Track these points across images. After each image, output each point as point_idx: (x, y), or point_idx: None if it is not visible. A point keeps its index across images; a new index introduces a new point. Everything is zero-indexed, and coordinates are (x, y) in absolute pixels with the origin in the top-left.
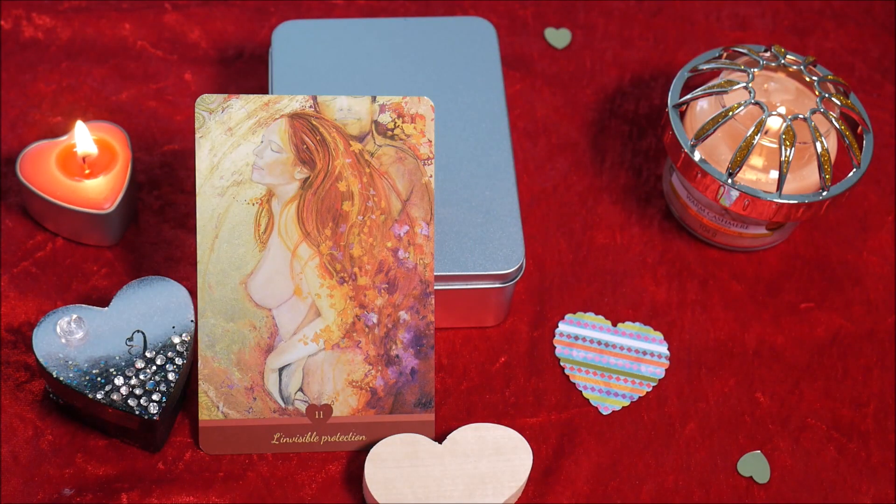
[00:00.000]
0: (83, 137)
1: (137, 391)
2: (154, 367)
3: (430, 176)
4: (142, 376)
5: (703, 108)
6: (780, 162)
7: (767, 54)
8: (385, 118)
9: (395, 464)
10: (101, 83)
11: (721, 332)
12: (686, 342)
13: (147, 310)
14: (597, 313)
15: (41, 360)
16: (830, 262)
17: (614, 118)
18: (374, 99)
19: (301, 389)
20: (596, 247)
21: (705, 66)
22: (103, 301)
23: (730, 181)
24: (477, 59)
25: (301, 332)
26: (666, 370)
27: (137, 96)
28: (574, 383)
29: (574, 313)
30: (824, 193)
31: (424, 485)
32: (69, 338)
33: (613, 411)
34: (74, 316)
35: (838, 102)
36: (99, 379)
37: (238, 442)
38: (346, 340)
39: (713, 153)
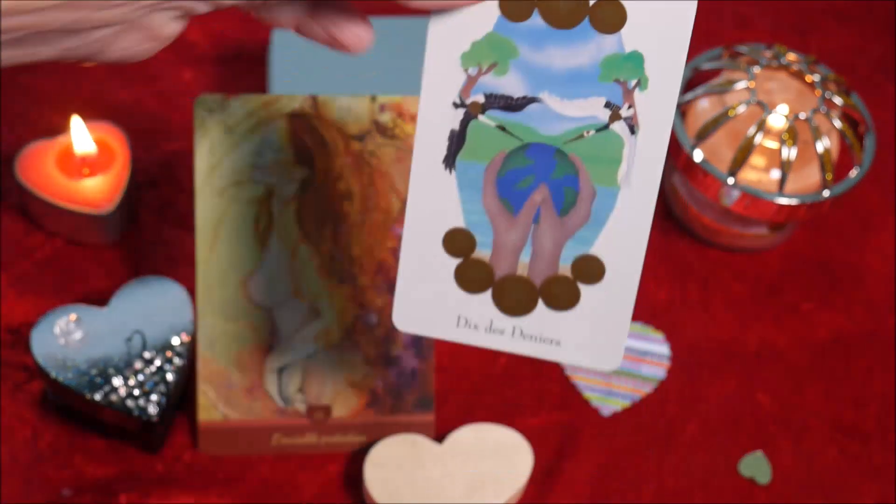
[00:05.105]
0: (80, 133)
1: (136, 392)
2: (153, 368)
3: None
4: (140, 377)
5: (704, 107)
6: (782, 162)
7: (769, 53)
8: (385, 118)
9: (395, 464)
10: (101, 83)
11: (722, 332)
12: (687, 343)
13: (146, 310)
14: None
15: (40, 360)
16: (832, 262)
17: None
18: (373, 98)
19: (301, 390)
20: None
21: (706, 66)
22: (102, 301)
23: (731, 181)
24: None
25: (301, 333)
26: (667, 371)
27: (137, 96)
28: (574, 384)
29: None
30: (826, 193)
31: (424, 485)
32: (68, 338)
33: (614, 412)
34: (73, 316)
35: (840, 102)
36: (97, 379)
37: (238, 442)
38: (346, 341)
39: (714, 153)
